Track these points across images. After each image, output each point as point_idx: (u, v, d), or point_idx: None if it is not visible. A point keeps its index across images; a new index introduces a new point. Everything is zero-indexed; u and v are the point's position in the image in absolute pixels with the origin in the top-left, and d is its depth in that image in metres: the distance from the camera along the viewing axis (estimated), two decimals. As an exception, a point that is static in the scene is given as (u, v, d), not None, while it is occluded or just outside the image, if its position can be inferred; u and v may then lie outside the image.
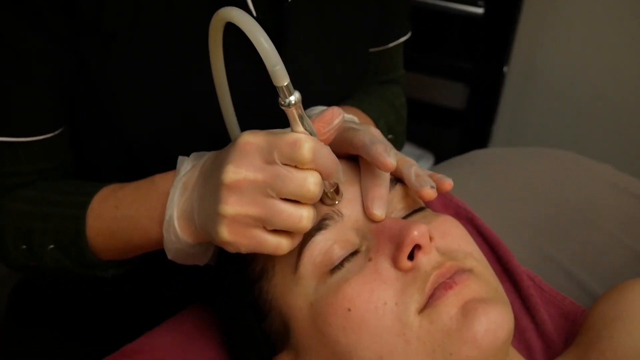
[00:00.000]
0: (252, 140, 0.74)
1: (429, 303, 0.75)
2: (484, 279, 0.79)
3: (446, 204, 1.15)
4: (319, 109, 0.96)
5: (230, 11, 0.71)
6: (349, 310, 0.76)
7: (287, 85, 0.69)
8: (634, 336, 0.86)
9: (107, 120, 0.95)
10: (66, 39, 0.87)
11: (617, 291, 0.92)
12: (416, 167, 0.83)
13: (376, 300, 0.75)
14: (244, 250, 0.76)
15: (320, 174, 0.73)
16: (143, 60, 0.90)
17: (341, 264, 0.78)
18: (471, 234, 0.93)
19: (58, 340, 1.21)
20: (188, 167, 0.84)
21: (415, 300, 0.75)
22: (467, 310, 0.74)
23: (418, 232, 0.75)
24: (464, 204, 1.15)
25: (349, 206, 0.81)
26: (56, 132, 0.95)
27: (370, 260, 0.78)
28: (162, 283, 1.10)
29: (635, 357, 0.84)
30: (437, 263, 0.77)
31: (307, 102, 0.97)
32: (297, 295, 0.80)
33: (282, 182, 0.71)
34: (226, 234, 0.75)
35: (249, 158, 0.73)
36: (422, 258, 0.77)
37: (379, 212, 0.79)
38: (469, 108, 2.20)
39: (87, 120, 0.98)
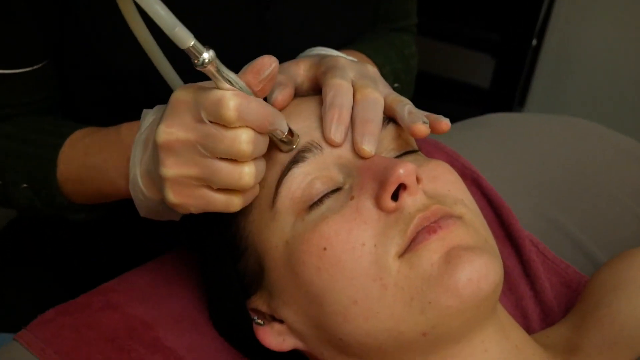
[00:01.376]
0: (182, 97, 0.69)
1: (410, 247, 0.70)
2: (472, 227, 0.73)
3: (451, 163, 1.09)
4: (317, 50, 0.91)
5: None
6: (325, 249, 0.71)
7: (194, 45, 0.63)
8: (635, 305, 0.80)
9: (92, 52, 0.91)
10: None
11: (620, 259, 0.86)
12: (410, 105, 0.78)
13: (354, 241, 0.70)
14: (194, 210, 0.72)
15: (254, 129, 0.67)
16: None
17: (320, 201, 0.73)
18: (475, 195, 0.88)
19: (40, 280, 1.17)
20: (149, 121, 0.79)
21: (395, 243, 0.70)
22: (451, 257, 0.69)
23: (404, 170, 0.70)
24: (470, 164, 1.09)
25: None
26: (36, 66, 0.92)
27: (352, 198, 0.72)
28: (142, 227, 1.06)
29: (635, 326, 0.78)
30: (422, 205, 0.72)
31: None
32: (273, 232, 0.75)
33: (213, 142, 0.67)
34: (172, 196, 0.71)
35: (179, 117, 0.68)
36: (406, 199, 0.71)
37: (368, 147, 0.74)
38: (494, 86, 2.11)
39: (72, 53, 0.94)
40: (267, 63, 0.69)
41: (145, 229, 1.06)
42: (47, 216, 0.95)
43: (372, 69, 0.82)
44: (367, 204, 0.72)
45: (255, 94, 0.69)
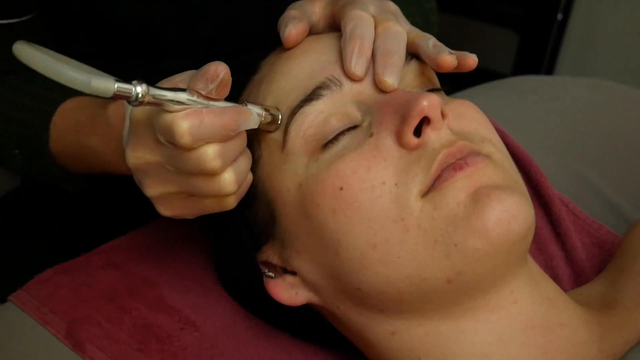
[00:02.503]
0: (139, 117, 0.63)
1: (434, 185, 0.64)
2: (502, 167, 0.67)
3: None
4: None
5: (19, 53, 0.59)
6: (341, 189, 0.65)
7: (118, 88, 0.56)
8: None
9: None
10: None
11: None
12: (435, 40, 0.72)
13: (373, 179, 0.64)
14: (191, 217, 0.69)
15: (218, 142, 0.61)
16: None
17: (336, 138, 0.68)
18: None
19: (40, 250, 1.12)
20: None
21: (418, 182, 0.64)
22: (479, 195, 0.63)
23: (428, 102, 0.64)
24: (494, 122, 1.02)
25: None
26: (26, 17, 0.87)
27: (371, 135, 0.67)
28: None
29: None
30: (447, 142, 0.66)
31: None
32: (286, 174, 0.69)
33: (179, 163, 0.62)
34: (165, 211, 0.68)
35: (142, 139, 0.64)
36: (430, 134, 0.65)
37: (390, 79, 0.67)
38: (516, 70, 2.03)
39: (66, 3, 0.89)
40: (214, 72, 0.60)
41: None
42: (41, 183, 0.90)
43: (393, 5, 0.77)
44: (387, 141, 0.66)
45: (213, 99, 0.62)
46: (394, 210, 0.64)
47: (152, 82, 0.60)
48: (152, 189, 0.65)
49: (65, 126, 0.83)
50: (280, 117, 0.69)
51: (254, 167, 0.72)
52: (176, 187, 0.65)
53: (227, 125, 0.61)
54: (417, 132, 0.65)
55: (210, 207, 0.66)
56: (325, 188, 0.66)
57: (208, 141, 0.60)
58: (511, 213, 0.62)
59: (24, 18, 0.86)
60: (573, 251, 0.89)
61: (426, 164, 0.64)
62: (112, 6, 0.86)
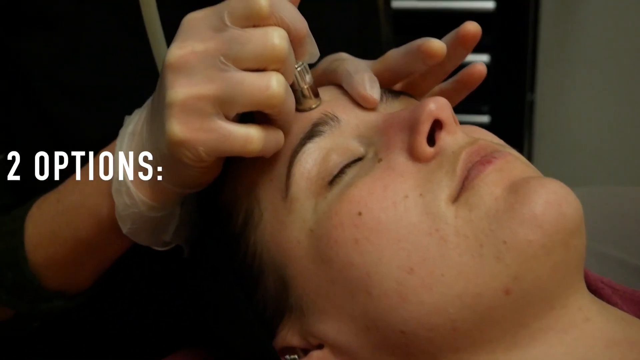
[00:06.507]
0: (196, 15, 0.59)
1: (464, 187, 0.57)
2: (530, 167, 0.60)
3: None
4: None
5: None
6: (360, 214, 0.57)
7: None
8: None
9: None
10: None
11: None
12: None
13: (393, 195, 0.57)
14: (203, 152, 0.57)
15: (287, 31, 0.58)
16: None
17: (342, 172, 0.61)
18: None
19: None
20: (135, 118, 0.67)
21: (445, 186, 0.57)
22: (517, 186, 0.56)
23: (436, 104, 0.58)
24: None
25: (346, 111, 0.65)
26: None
27: (379, 161, 0.60)
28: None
29: None
30: (466, 143, 0.59)
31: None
32: (292, 226, 0.61)
33: (239, 44, 0.56)
34: (178, 129, 0.57)
35: (195, 30, 0.58)
36: (445, 138, 0.59)
37: (374, 91, 0.65)
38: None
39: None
40: None
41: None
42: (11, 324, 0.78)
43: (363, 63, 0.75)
44: (400, 159, 0.59)
45: None
46: (425, 222, 0.56)
47: None
48: (181, 90, 0.56)
49: (44, 206, 0.73)
50: (318, 104, 0.65)
51: (254, 235, 0.64)
52: (213, 87, 0.56)
53: (300, 22, 0.59)
54: (430, 142, 0.59)
55: (234, 136, 0.57)
56: (341, 219, 0.57)
57: (281, 23, 0.57)
58: (559, 195, 0.55)
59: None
60: (623, 316, 0.79)
61: (449, 167, 0.57)
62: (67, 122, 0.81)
